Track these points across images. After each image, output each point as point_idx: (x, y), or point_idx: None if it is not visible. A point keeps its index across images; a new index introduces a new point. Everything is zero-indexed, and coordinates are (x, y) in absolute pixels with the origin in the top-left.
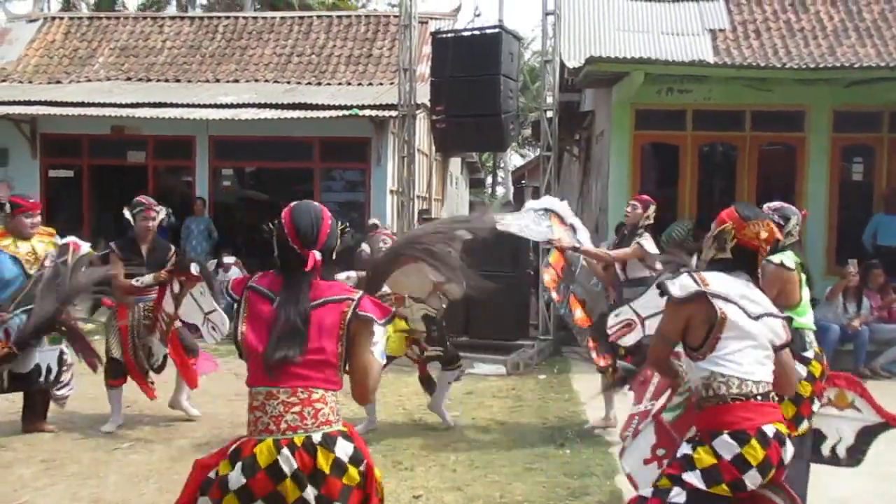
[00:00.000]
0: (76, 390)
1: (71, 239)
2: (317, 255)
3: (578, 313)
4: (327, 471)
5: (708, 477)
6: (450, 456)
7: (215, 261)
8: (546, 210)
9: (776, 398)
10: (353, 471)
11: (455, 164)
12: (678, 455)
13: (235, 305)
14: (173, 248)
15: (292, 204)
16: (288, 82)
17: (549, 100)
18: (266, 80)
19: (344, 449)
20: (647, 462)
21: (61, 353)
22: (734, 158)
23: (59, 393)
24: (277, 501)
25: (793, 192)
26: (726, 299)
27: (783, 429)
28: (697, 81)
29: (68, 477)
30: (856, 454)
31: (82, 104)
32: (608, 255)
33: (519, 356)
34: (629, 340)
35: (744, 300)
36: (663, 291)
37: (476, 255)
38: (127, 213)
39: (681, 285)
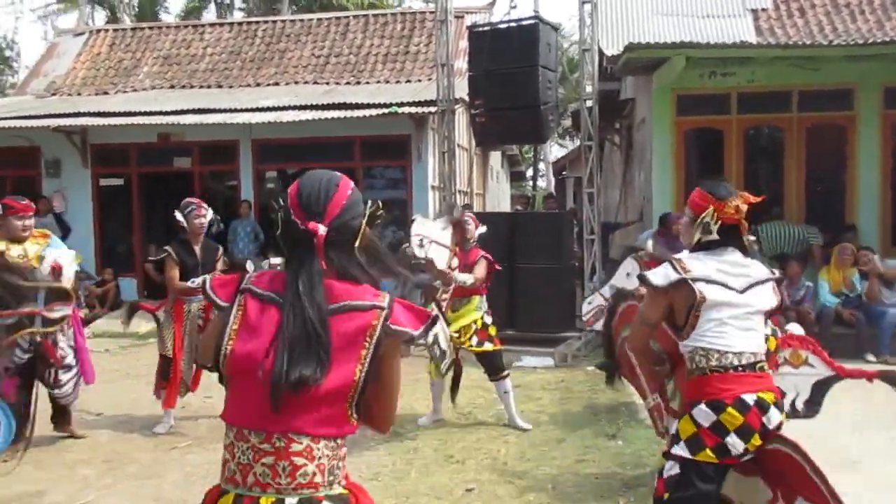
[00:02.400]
0: (136, 393)
1: (52, 259)
2: (321, 229)
3: None
4: None
5: (691, 445)
6: (501, 449)
7: (267, 261)
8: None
9: (764, 367)
10: None
11: (495, 157)
12: (671, 432)
13: (219, 314)
14: (221, 248)
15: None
16: (327, 83)
17: (589, 89)
18: (305, 82)
19: None
20: None
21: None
22: (781, 141)
23: (57, 392)
24: None
25: (844, 173)
26: (707, 280)
27: (767, 396)
28: (740, 64)
29: (129, 477)
30: (813, 406)
31: (129, 114)
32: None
33: (566, 348)
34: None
35: (728, 277)
36: (644, 282)
37: (521, 246)
38: (178, 215)
39: (663, 275)
